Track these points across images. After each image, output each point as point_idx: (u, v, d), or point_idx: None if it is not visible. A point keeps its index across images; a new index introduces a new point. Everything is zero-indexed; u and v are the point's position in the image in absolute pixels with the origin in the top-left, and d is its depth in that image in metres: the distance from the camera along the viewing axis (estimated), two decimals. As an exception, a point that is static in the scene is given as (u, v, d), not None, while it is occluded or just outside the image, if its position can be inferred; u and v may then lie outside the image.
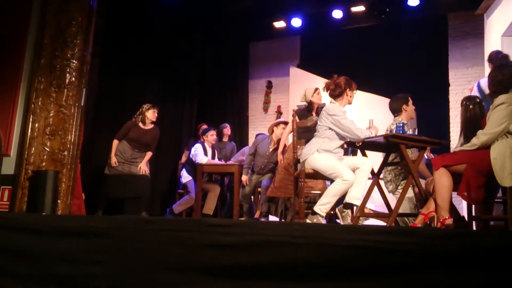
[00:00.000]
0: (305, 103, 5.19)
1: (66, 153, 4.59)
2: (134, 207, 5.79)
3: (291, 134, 5.08)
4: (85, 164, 5.73)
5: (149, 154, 5.93)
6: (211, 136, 6.48)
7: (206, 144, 6.44)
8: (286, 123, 5.85)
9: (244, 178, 5.91)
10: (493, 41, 5.99)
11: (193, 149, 6.36)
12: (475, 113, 3.70)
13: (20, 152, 4.55)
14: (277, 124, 5.91)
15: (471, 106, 3.73)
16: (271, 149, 5.82)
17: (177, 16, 7.07)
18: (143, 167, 5.81)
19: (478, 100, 3.85)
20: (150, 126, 5.93)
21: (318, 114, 4.98)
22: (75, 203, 4.78)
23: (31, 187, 4.42)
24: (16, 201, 4.42)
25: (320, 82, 5.43)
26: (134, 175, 5.74)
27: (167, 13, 6.87)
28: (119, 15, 6.49)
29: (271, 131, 5.92)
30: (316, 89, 5.14)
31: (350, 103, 4.12)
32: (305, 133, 4.56)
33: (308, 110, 5.09)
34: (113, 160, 5.67)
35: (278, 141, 5.74)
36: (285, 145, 5.42)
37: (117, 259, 2.05)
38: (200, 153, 6.26)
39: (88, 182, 5.78)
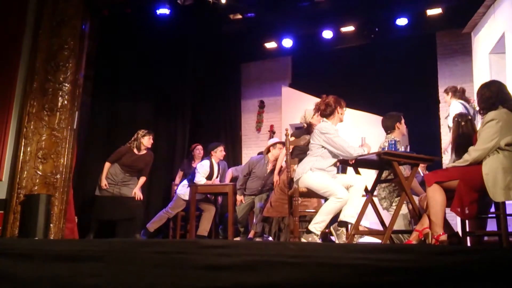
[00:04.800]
0: (304, 124, 5.07)
1: (58, 176, 4.57)
2: (127, 229, 5.73)
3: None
4: (77, 187, 5.69)
5: (143, 179, 5.89)
6: (220, 152, 6.32)
7: (213, 160, 6.28)
8: (282, 143, 5.82)
9: (239, 198, 5.88)
10: (481, 58, 6.09)
11: (199, 165, 6.23)
12: (467, 130, 3.75)
13: (12, 176, 4.52)
14: (273, 144, 5.90)
15: (463, 123, 3.78)
16: (268, 170, 5.80)
17: (169, 38, 7.13)
18: (138, 193, 5.78)
19: (469, 117, 3.91)
20: (144, 152, 5.91)
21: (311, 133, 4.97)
22: (68, 227, 4.74)
23: (23, 212, 4.39)
24: (8, 226, 4.38)
25: (311, 101, 5.46)
26: (126, 196, 5.70)
27: (159, 36, 6.92)
28: (111, 37, 6.54)
29: (267, 151, 5.92)
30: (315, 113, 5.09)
31: (341, 120, 4.15)
32: (300, 155, 4.56)
33: (308, 132, 4.86)
34: (103, 182, 5.64)
35: (275, 161, 5.73)
36: (281, 166, 5.39)
37: (111, 283, 2.03)
38: (201, 173, 6.11)
39: (80, 205, 5.73)
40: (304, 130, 5.07)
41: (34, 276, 2.16)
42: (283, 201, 4.83)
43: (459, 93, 5.47)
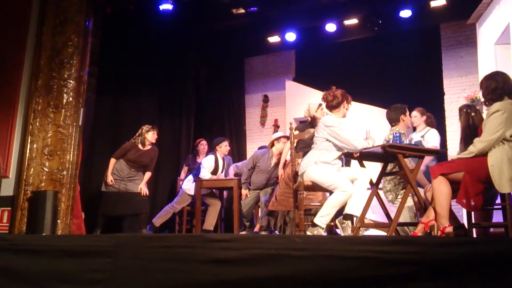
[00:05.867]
0: (308, 118, 5.10)
1: (65, 173, 4.60)
2: (133, 225, 5.77)
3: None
4: (83, 182, 5.73)
5: (148, 175, 5.92)
6: (225, 147, 6.38)
7: (218, 155, 6.33)
8: (287, 137, 5.84)
9: (244, 192, 5.89)
10: (486, 49, 6.05)
11: (204, 160, 6.29)
12: (478, 120, 3.72)
13: (18, 173, 4.55)
14: (278, 138, 5.91)
15: (473, 114, 3.75)
16: (272, 164, 5.82)
17: (172, 34, 7.13)
18: (144, 189, 5.81)
19: (478, 107, 3.89)
20: (148, 147, 5.94)
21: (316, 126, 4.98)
22: (75, 223, 4.77)
23: (31, 208, 4.42)
24: (15, 222, 4.42)
25: (315, 94, 5.47)
26: (132, 192, 5.73)
27: (162, 31, 6.92)
28: (114, 34, 6.54)
29: (271, 145, 5.93)
30: (320, 104, 5.10)
31: (344, 116, 4.15)
32: (305, 148, 4.56)
33: (312, 126, 4.94)
34: (109, 178, 5.67)
35: (279, 155, 5.74)
36: (286, 160, 5.40)
37: (119, 277, 2.05)
38: (206, 168, 6.17)
39: (86, 200, 5.77)
40: (308, 123, 5.08)
41: (43, 272, 2.18)
42: (288, 195, 4.84)
43: (431, 121, 5.37)
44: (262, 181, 5.81)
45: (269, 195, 5.66)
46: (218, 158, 6.30)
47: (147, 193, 5.86)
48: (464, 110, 3.83)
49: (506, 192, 3.21)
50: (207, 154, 6.52)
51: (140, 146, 5.88)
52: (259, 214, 5.78)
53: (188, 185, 6.30)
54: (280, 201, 5.00)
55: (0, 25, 4.78)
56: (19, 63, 4.71)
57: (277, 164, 5.71)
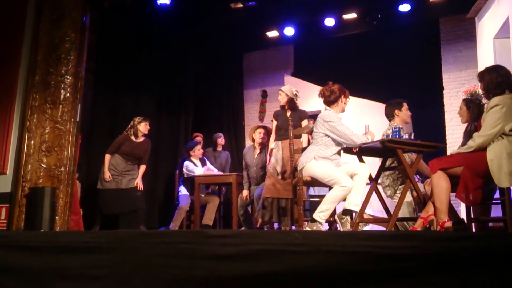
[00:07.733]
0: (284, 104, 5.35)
1: (62, 169, 4.58)
2: (131, 221, 5.76)
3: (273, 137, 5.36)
4: (81, 179, 5.71)
5: (143, 168, 5.93)
6: (198, 150, 6.50)
7: (193, 159, 6.44)
8: (263, 127, 6.02)
9: (245, 193, 5.85)
10: (485, 43, 6.04)
11: (184, 169, 6.40)
12: None
13: (16, 170, 4.53)
14: (254, 130, 6.01)
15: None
16: (256, 156, 5.88)
17: (170, 28, 7.10)
18: (140, 184, 5.81)
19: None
20: (141, 139, 5.94)
21: (292, 110, 5.20)
22: (73, 219, 4.76)
23: (29, 205, 4.40)
24: (13, 219, 4.40)
25: (314, 89, 5.49)
26: (128, 188, 5.73)
27: (160, 26, 6.89)
28: (112, 29, 6.51)
29: (252, 138, 6.02)
30: (279, 90, 5.40)
31: (343, 110, 4.14)
32: (284, 135, 4.76)
33: (290, 107, 5.27)
34: (107, 174, 5.66)
35: (259, 144, 5.83)
36: (271, 148, 5.49)
37: (117, 274, 2.04)
38: (192, 169, 6.30)
39: (85, 197, 5.76)
40: (282, 109, 5.32)
41: (41, 268, 2.17)
42: (274, 181, 4.90)
43: None
44: (254, 175, 5.84)
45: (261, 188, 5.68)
46: (194, 162, 6.39)
47: (142, 188, 5.87)
48: (477, 102, 3.82)
49: (505, 186, 3.22)
50: (203, 148, 6.59)
51: (133, 138, 5.89)
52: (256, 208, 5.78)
53: (184, 189, 6.37)
54: (267, 187, 5.02)
55: (-3, 20, 4.75)
56: (16, 59, 4.68)
57: (259, 153, 5.80)
